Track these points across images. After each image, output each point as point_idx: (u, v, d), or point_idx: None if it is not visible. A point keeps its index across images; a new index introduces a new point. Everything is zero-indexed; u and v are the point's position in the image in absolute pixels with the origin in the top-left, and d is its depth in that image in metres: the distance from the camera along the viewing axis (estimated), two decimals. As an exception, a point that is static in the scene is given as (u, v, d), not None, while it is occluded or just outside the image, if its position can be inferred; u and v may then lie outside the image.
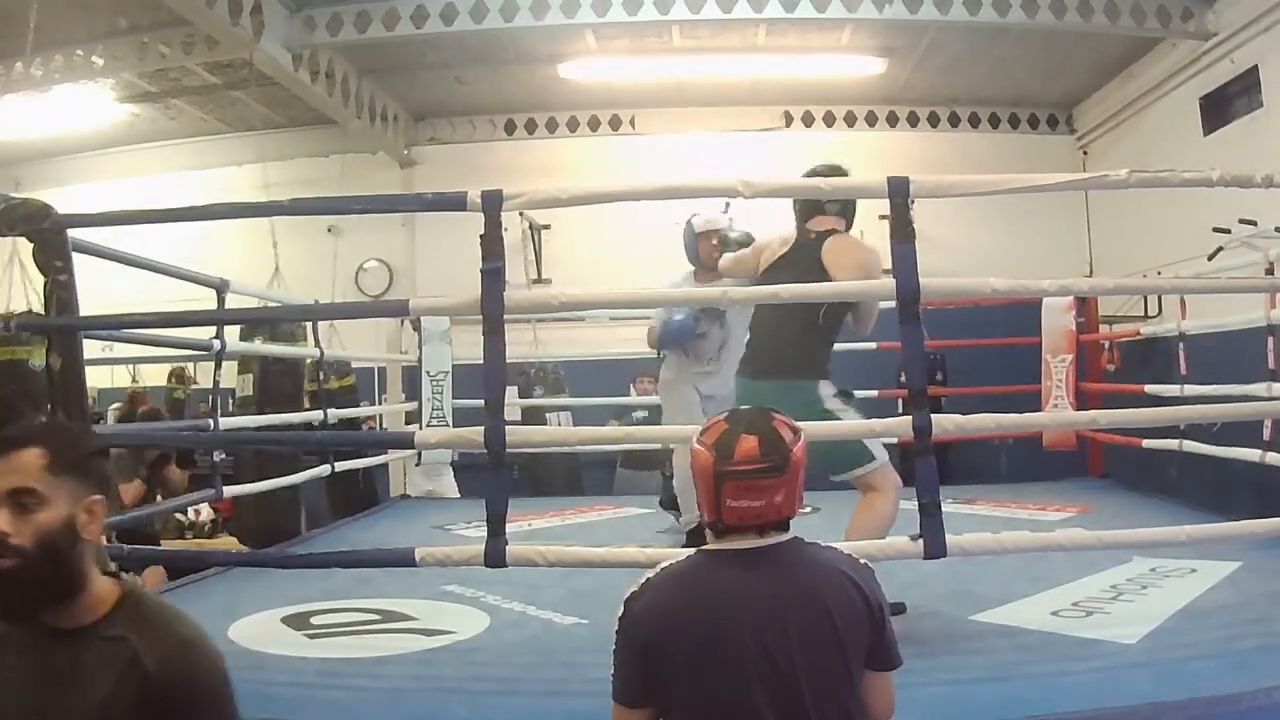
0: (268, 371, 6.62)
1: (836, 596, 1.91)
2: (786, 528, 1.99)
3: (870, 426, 3.91)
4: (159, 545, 5.48)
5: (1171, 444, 6.10)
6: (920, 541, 3.40)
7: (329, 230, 10.47)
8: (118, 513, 6.11)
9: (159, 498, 6.08)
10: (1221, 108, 8.03)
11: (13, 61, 8.06)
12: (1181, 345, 6.29)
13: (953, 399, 7.20)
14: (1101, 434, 7.27)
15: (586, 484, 8.80)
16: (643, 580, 2.00)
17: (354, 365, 8.89)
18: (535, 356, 9.04)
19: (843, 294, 3.87)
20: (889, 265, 3.54)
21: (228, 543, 8.73)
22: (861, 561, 2.02)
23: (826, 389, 3.87)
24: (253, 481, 5.85)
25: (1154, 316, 8.65)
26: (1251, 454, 5.38)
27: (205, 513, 9.02)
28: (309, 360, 7.06)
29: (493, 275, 3.48)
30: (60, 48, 8.27)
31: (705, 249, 5.18)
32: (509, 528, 3.50)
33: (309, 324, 6.88)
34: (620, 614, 1.97)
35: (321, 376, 7.01)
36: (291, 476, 6.20)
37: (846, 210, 4.14)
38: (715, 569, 1.97)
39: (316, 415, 6.66)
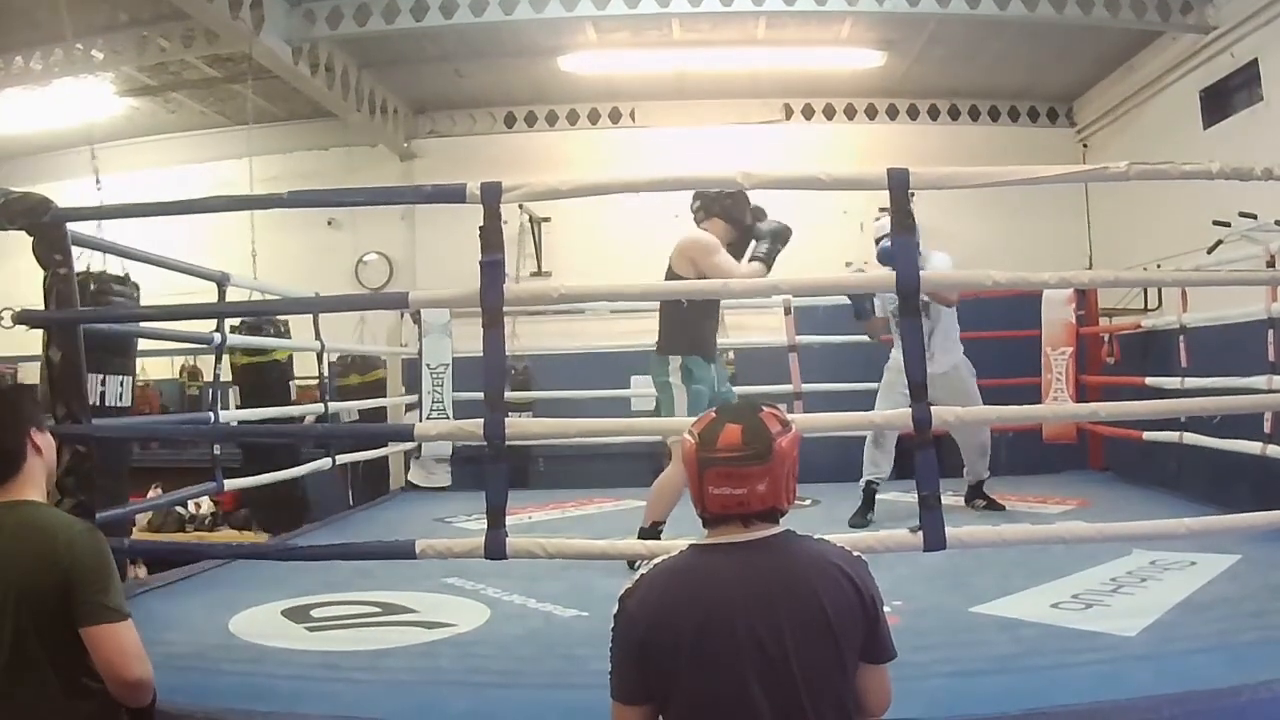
0: (265, 379, 6.67)
1: (829, 588, 1.91)
2: (775, 519, 1.99)
3: (870, 419, 3.95)
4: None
5: (1172, 437, 6.10)
6: (920, 534, 3.41)
7: (329, 223, 10.52)
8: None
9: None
10: (1221, 101, 8.02)
11: (12, 55, 8.06)
12: (1182, 338, 6.28)
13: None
14: (1101, 427, 7.27)
15: (585, 478, 8.79)
16: (636, 577, 2.00)
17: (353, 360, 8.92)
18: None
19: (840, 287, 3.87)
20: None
21: (228, 535, 8.77)
22: (855, 554, 2.02)
23: (674, 364, 4.70)
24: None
25: (1154, 309, 8.65)
26: (1252, 447, 5.38)
27: (205, 505, 9.07)
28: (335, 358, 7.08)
29: (492, 268, 3.49)
30: (60, 42, 8.26)
31: None
32: (509, 520, 3.50)
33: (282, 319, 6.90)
34: (615, 611, 1.98)
35: (322, 372, 7.01)
36: (299, 469, 6.22)
37: (711, 210, 4.80)
38: (707, 562, 1.97)
39: (317, 409, 6.68)
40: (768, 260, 4.66)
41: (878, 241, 5.94)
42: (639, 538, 4.43)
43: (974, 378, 5.96)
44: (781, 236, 4.72)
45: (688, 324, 4.74)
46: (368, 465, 8.06)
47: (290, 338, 6.91)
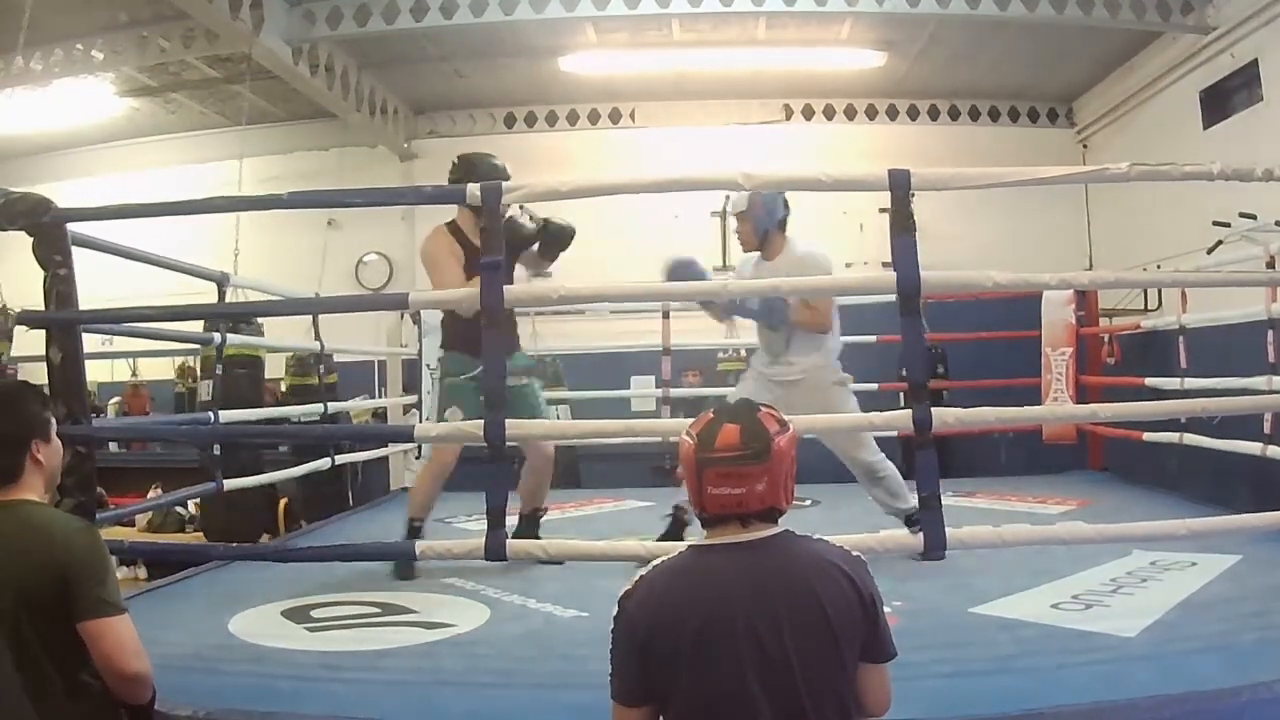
0: (230, 375, 6.59)
1: (828, 588, 1.91)
2: (774, 519, 1.99)
3: (870, 420, 3.95)
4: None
5: (1172, 437, 6.10)
6: (920, 534, 3.41)
7: (329, 224, 10.53)
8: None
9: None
10: (1221, 101, 8.02)
11: (12, 56, 8.06)
12: (1181, 338, 6.29)
13: (955, 392, 7.20)
14: (1101, 427, 7.27)
15: (585, 477, 8.80)
16: (635, 578, 2.00)
17: (354, 359, 8.91)
18: (534, 349, 8.96)
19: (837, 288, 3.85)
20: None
21: (228, 536, 8.72)
22: (854, 554, 2.02)
23: (439, 357, 4.75)
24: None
25: (1154, 310, 8.65)
26: (1252, 447, 5.38)
27: (205, 506, 9.04)
28: (291, 356, 7.03)
29: (492, 268, 3.49)
30: (60, 42, 8.27)
31: None
32: (509, 521, 3.50)
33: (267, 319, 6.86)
34: (615, 613, 1.97)
35: (323, 370, 7.01)
36: (266, 475, 6.20)
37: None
38: (706, 563, 1.97)
39: (317, 409, 6.67)
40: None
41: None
42: (407, 536, 4.41)
43: (845, 389, 4.79)
44: (549, 247, 4.71)
45: (453, 320, 4.62)
46: (367, 466, 8.05)
47: (264, 337, 6.81)
